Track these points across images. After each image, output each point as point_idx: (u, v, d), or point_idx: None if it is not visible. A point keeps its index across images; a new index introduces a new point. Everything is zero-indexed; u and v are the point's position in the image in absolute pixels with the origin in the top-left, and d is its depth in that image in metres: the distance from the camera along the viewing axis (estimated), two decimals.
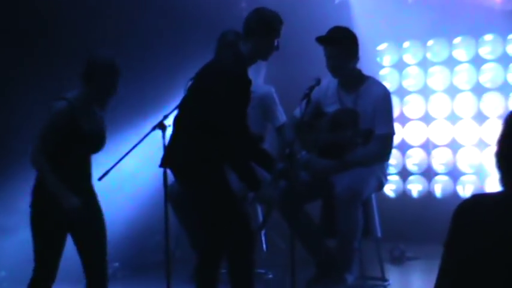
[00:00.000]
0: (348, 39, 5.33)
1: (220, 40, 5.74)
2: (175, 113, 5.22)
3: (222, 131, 4.44)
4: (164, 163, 4.74)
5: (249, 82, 4.54)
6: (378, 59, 8.20)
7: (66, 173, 4.36)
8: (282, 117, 5.93)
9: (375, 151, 5.26)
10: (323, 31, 5.37)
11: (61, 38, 6.62)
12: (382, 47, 8.23)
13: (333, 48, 5.26)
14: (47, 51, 6.57)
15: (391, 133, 5.36)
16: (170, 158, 4.68)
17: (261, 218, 6.03)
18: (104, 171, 5.02)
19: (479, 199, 2.26)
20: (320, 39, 5.30)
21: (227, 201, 4.53)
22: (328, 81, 5.45)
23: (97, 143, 4.54)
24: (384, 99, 5.36)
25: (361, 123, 5.24)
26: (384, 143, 5.29)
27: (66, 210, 4.26)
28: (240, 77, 4.50)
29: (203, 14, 7.39)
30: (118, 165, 5.09)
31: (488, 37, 7.73)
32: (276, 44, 4.61)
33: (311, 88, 4.83)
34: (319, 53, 5.45)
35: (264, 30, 4.56)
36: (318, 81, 4.87)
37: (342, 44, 5.27)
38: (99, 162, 4.81)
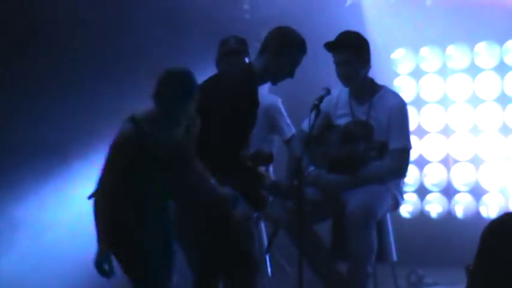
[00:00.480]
0: (359, 45, 5.34)
1: (221, 48, 5.75)
2: None
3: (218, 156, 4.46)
4: None
5: (257, 103, 4.57)
6: (393, 67, 8.21)
7: (144, 209, 4.27)
8: (289, 129, 5.91)
9: (390, 166, 5.26)
10: (333, 36, 5.38)
11: (52, 42, 6.68)
12: (397, 53, 8.24)
13: (342, 54, 5.27)
14: (37, 57, 6.66)
15: (407, 147, 5.37)
16: None
17: (266, 239, 6.03)
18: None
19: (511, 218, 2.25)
20: (329, 45, 5.31)
21: (226, 226, 4.55)
22: (339, 92, 5.46)
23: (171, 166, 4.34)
24: (399, 110, 5.37)
25: (376, 136, 5.24)
26: (399, 158, 5.29)
27: (96, 259, 4.15)
28: (246, 97, 4.51)
29: (203, 17, 7.42)
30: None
31: None
32: (289, 69, 4.63)
33: (320, 98, 4.83)
34: (329, 60, 5.47)
35: (278, 48, 4.60)
36: (328, 91, 4.88)
37: (352, 50, 5.28)
38: (88, 178, 4.83)
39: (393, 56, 8.21)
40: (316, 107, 4.80)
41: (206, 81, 4.76)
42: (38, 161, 6.66)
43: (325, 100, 4.92)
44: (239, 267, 4.55)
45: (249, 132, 4.62)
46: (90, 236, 4.22)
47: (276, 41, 4.62)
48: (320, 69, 6.04)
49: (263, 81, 4.73)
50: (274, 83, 4.78)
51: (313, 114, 4.82)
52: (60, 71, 6.74)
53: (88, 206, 4.29)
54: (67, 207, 6.64)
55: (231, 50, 5.66)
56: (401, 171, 5.37)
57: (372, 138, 5.23)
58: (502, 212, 2.26)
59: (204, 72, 5.79)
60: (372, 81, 5.44)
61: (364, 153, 5.02)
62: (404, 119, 5.40)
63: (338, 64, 5.30)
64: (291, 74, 4.68)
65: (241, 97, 4.50)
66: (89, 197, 5.09)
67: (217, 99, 4.50)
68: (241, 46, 5.68)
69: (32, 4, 6.63)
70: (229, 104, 4.46)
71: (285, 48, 4.62)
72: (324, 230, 5.58)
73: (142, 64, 6.92)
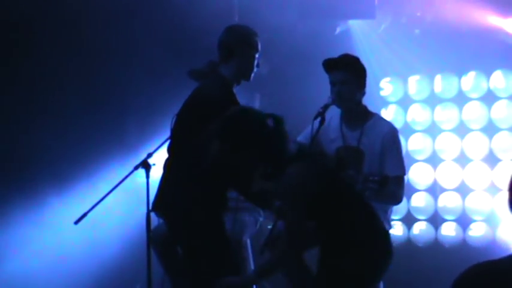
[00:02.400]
0: (357, 68, 5.34)
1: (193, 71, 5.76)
2: (160, 151, 5.25)
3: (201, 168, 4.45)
4: (156, 207, 4.75)
5: (237, 105, 4.58)
6: (382, 95, 8.24)
7: None
8: None
9: (390, 192, 5.23)
10: (321, 61, 5.38)
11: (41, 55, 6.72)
12: (385, 81, 8.27)
13: (340, 74, 5.25)
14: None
15: (403, 174, 5.37)
16: (162, 202, 4.68)
17: (253, 262, 6.00)
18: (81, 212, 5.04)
19: (482, 269, 2.19)
20: (328, 64, 5.29)
21: (220, 254, 4.53)
22: (331, 116, 5.45)
23: None
24: (393, 138, 5.36)
25: (367, 162, 5.24)
26: (397, 185, 5.28)
27: None
28: (225, 102, 4.53)
29: (195, 31, 7.44)
30: (98, 206, 5.09)
31: (501, 73, 7.78)
32: (257, 61, 4.68)
33: (325, 107, 4.96)
34: (318, 83, 5.47)
35: (244, 47, 4.63)
36: (333, 101, 4.98)
37: (350, 71, 5.27)
38: (73, 203, 4.83)
39: (382, 84, 8.24)
40: (321, 115, 4.88)
41: (186, 101, 4.78)
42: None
43: (317, 123, 4.95)
44: None
45: None
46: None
47: (239, 43, 4.64)
48: (310, 92, 6.04)
49: (236, 84, 4.74)
50: (249, 80, 4.79)
51: (317, 122, 4.91)
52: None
53: None
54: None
55: (197, 72, 5.63)
56: (399, 198, 5.35)
57: (362, 164, 5.22)
58: (470, 266, 2.21)
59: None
60: (365, 108, 5.43)
61: (363, 184, 4.98)
62: (399, 147, 5.39)
63: (335, 83, 5.26)
64: (257, 65, 4.70)
65: (221, 104, 4.50)
66: (76, 222, 5.13)
67: (198, 112, 4.51)
68: (211, 68, 5.65)
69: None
70: (208, 113, 4.45)
71: (249, 45, 4.68)
72: (311, 256, 5.55)
73: (128, 89, 6.96)
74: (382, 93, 8.23)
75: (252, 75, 4.75)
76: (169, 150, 4.77)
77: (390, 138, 5.33)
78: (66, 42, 6.88)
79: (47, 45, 6.83)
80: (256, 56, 4.71)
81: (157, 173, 5.50)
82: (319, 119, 5.04)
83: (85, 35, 6.93)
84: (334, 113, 5.40)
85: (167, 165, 4.76)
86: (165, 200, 4.66)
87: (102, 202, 5.15)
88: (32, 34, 6.78)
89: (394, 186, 5.16)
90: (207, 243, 4.51)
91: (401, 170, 5.33)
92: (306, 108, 5.06)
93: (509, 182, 2.25)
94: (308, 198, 3.94)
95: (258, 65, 4.73)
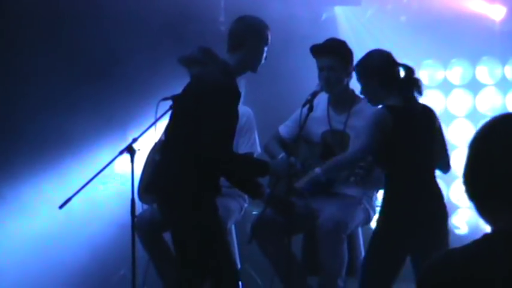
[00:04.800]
0: (344, 53, 5.35)
1: (184, 57, 5.75)
2: (146, 136, 5.24)
3: (208, 157, 4.46)
4: (148, 190, 4.76)
5: (240, 94, 4.59)
6: None
7: None
8: (256, 147, 5.84)
9: (377, 177, 5.22)
10: (308, 49, 5.38)
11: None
12: None
13: (327, 59, 5.26)
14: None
15: None
16: (156, 185, 4.68)
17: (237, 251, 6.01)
18: (65, 197, 5.02)
19: (447, 258, 2.17)
20: (314, 49, 5.30)
21: (214, 239, 4.54)
22: (318, 100, 5.45)
23: None
24: None
25: (352, 144, 5.24)
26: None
27: None
28: (231, 89, 4.53)
29: (178, 30, 7.43)
30: (83, 191, 5.08)
31: (486, 60, 7.80)
32: (265, 53, 4.68)
33: (314, 94, 4.98)
34: (304, 69, 5.47)
35: (255, 39, 4.63)
36: (322, 88, 5.02)
37: (337, 56, 5.28)
38: (58, 187, 4.82)
39: None
40: (310, 102, 4.91)
41: (187, 87, 4.77)
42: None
43: (304, 109, 5.00)
44: (223, 278, 4.57)
45: (236, 126, 4.63)
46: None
47: (249, 33, 4.64)
48: (295, 80, 6.03)
49: (241, 74, 4.75)
50: (255, 72, 4.79)
51: (305, 109, 4.93)
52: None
53: None
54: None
55: (194, 60, 5.62)
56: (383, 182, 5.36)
57: (346, 147, 5.24)
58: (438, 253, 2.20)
59: (179, 84, 5.80)
60: (352, 92, 5.43)
61: (351, 171, 4.99)
62: None
63: (322, 69, 5.28)
64: (265, 58, 4.71)
65: (224, 90, 4.51)
66: (60, 207, 5.12)
67: (203, 99, 4.50)
68: (205, 56, 5.64)
69: None
70: (217, 101, 4.46)
71: (261, 37, 4.67)
72: (295, 243, 5.56)
73: (115, 77, 6.95)
74: None
75: (259, 67, 4.75)
76: (166, 133, 4.77)
77: None
78: (61, 20, 6.87)
79: (42, 19, 6.82)
80: (266, 49, 4.71)
81: (141, 158, 5.52)
82: (307, 106, 5.04)
83: (83, 15, 6.93)
84: (321, 97, 5.40)
85: (162, 148, 4.76)
86: (158, 183, 4.66)
87: (87, 187, 5.14)
88: (30, 6, 6.77)
89: (378, 171, 5.17)
90: (199, 227, 4.51)
91: None
92: (293, 94, 5.06)
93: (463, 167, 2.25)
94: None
95: (265, 58, 4.73)
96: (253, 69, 4.73)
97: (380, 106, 4.67)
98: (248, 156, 5.01)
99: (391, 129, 4.51)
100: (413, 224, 4.51)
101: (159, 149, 5.47)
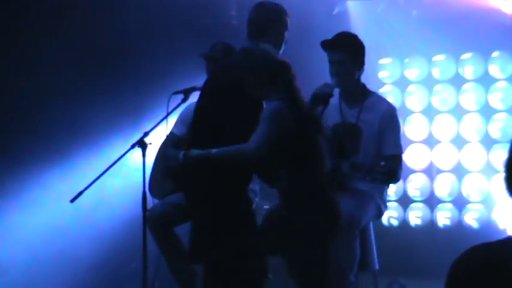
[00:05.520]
0: (355, 46, 5.34)
1: (209, 51, 5.77)
2: (158, 129, 5.24)
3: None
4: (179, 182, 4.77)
5: None
6: (379, 76, 8.22)
7: None
8: None
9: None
10: (318, 42, 5.37)
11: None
12: (383, 62, 8.26)
13: (338, 53, 5.26)
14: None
15: (400, 153, 5.38)
16: (186, 178, 4.68)
17: None
18: (76, 191, 5.03)
19: (481, 251, 2.18)
20: (326, 43, 5.31)
21: (245, 233, 4.54)
22: None
23: None
24: (391, 117, 5.37)
25: (365, 140, 5.25)
26: (395, 164, 5.28)
27: None
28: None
29: (191, 23, 7.42)
30: (93, 185, 5.08)
31: (498, 54, 7.77)
32: (285, 39, 4.69)
33: (331, 88, 5.02)
34: (315, 64, 5.46)
35: (277, 25, 4.65)
36: (337, 83, 5.09)
37: (348, 50, 5.28)
38: (69, 181, 4.82)
39: (379, 64, 8.23)
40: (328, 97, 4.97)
41: (214, 76, 4.79)
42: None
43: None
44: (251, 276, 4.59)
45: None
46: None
47: (271, 21, 4.65)
48: (307, 74, 6.01)
49: None
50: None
51: (321, 106, 4.95)
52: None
53: None
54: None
55: (214, 58, 5.67)
56: (397, 176, 5.35)
57: (360, 141, 5.23)
58: (468, 248, 2.21)
59: (193, 77, 5.80)
60: (363, 86, 5.43)
61: (369, 175, 4.98)
62: (397, 126, 5.40)
63: (333, 63, 5.28)
64: (286, 42, 4.74)
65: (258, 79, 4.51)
66: (72, 200, 5.12)
67: (231, 88, 4.49)
68: (226, 55, 5.66)
69: None
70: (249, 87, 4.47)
71: (281, 23, 4.70)
72: None
73: (125, 72, 6.94)
74: (379, 74, 8.22)
75: (280, 52, 4.75)
76: (193, 126, 4.75)
77: (389, 116, 5.34)
78: (74, 10, 6.88)
79: (55, 8, 6.83)
80: (286, 34, 4.71)
81: (152, 152, 5.51)
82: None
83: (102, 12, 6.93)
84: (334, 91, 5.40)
85: (189, 141, 4.76)
86: (188, 177, 4.65)
87: (98, 180, 5.13)
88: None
89: (392, 164, 5.16)
90: (228, 219, 4.51)
91: (399, 149, 5.35)
92: (304, 88, 5.03)
93: (505, 160, 2.25)
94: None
95: (286, 43, 4.74)
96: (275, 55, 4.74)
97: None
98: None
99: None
100: None
101: (170, 143, 5.47)
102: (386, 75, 8.25)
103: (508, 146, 2.19)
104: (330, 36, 5.37)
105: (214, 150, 4.35)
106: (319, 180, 4.51)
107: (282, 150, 4.37)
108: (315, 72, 5.61)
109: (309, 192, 4.49)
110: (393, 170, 4.97)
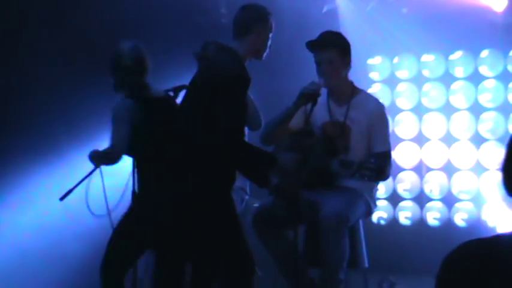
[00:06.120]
0: (341, 45, 5.34)
1: (201, 50, 5.77)
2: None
3: (221, 145, 4.46)
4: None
5: (250, 81, 4.59)
6: (368, 74, 8.23)
7: None
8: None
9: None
10: (308, 40, 5.37)
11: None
12: (372, 60, 8.27)
13: (325, 53, 5.26)
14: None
15: (389, 150, 5.38)
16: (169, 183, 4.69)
17: None
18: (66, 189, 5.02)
19: (472, 248, 2.19)
20: (311, 44, 5.31)
21: (229, 227, 4.55)
22: None
23: None
24: (380, 114, 5.37)
25: (354, 138, 5.25)
26: (383, 161, 5.28)
27: None
28: (243, 77, 4.54)
29: (180, 21, 7.41)
30: (83, 183, 5.07)
31: (488, 53, 7.78)
32: (270, 41, 4.70)
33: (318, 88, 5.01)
34: (305, 63, 5.46)
35: (260, 25, 4.65)
36: (325, 83, 5.06)
37: (334, 49, 5.28)
38: (60, 179, 4.81)
39: (368, 62, 8.24)
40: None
41: (198, 77, 4.78)
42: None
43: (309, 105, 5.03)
44: (240, 271, 4.59)
45: (246, 113, 4.68)
46: None
47: (255, 21, 4.67)
48: (296, 72, 6.01)
49: (247, 61, 4.76)
50: (261, 59, 4.80)
51: (309, 104, 4.96)
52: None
53: None
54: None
55: (206, 57, 5.66)
56: (386, 174, 5.36)
57: (349, 140, 5.24)
58: (459, 244, 2.22)
59: (183, 76, 5.77)
60: (351, 84, 5.44)
61: (358, 172, 4.99)
62: (386, 123, 5.42)
63: (320, 63, 5.28)
64: (270, 45, 4.74)
65: (238, 79, 4.52)
66: (61, 198, 5.11)
67: (214, 85, 4.50)
68: (218, 51, 5.67)
69: None
70: (230, 87, 4.48)
71: (265, 24, 4.69)
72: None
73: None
74: (368, 72, 8.23)
75: (264, 55, 4.76)
76: (176, 124, 4.76)
77: (377, 114, 5.35)
78: (69, 6, 6.86)
79: (53, 12, 6.81)
80: (270, 36, 4.73)
81: None
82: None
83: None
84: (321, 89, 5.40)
85: (173, 139, 4.76)
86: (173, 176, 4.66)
87: (88, 178, 5.12)
88: None
89: (382, 162, 5.17)
90: (216, 217, 4.52)
91: (388, 146, 5.35)
92: (290, 86, 5.05)
93: (501, 162, 2.25)
94: None
95: (270, 46, 4.75)
96: (259, 55, 4.75)
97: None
98: (258, 147, 5.02)
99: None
100: None
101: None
102: (375, 74, 8.26)
103: (497, 144, 2.19)
104: (319, 34, 5.37)
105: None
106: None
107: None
108: (303, 69, 5.61)
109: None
110: (382, 167, 4.98)
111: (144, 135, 4.69)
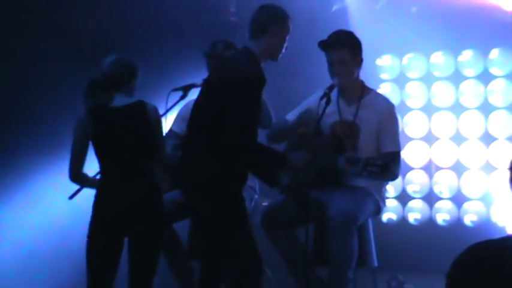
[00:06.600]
0: (353, 44, 5.34)
1: (209, 50, 5.77)
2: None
3: (233, 144, 4.47)
4: (176, 179, 4.78)
5: (265, 81, 4.59)
6: (378, 73, 8.22)
7: None
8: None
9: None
10: (317, 40, 5.37)
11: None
12: (381, 59, 8.25)
13: (337, 53, 5.26)
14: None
15: (399, 150, 5.38)
16: (182, 175, 4.68)
17: None
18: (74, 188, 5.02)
19: (482, 249, 2.19)
20: (323, 44, 5.31)
21: (239, 228, 4.57)
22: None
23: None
24: (390, 114, 5.37)
25: (363, 138, 5.25)
26: (393, 161, 5.28)
27: None
28: (259, 77, 4.55)
29: (190, 20, 7.41)
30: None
31: (498, 52, 7.76)
32: (286, 43, 4.70)
33: (331, 88, 5.03)
34: (315, 62, 5.46)
35: (277, 26, 4.65)
36: (339, 82, 5.10)
37: (346, 49, 5.28)
38: (67, 178, 4.81)
39: (378, 62, 8.22)
40: (327, 96, 4.95)
41: (214, 72, 4.81)
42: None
43: (314, 99, 5.09)
44: (248, 270, 4.60)
45: (261, 111, 4.69)
46: None
47: (272, 21, 4.67)
48: (306, 71, 6.00)
49: (263, 61, 4.76)
50: (276, 60, 4.80)
51: (323, 102, 4.95)
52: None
53: None
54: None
55: (216, 55, 5.68)
56: (395, 174, 5.36)
57: (358, 139, 5.24)
58: (470, 246, 2.22)
59: (192, 74, 5.78)
60: (362, 83, 5.44)
61: (365, 168, 4.98)
62: (395, 123, 5.41)
63: (332, 63, 5.29)
64: (285, 47, 4.74)
65: (254, 79, 4.54)
66: (70, 197, 5.12)
67: (230, 84, 4.51)
68: (228, 51, 5.68)
69: None
70: (245, 88, 4.49)
71: (282, 25, 4.70)
72: (300, 234, 5.56)
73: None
74: (378, 70, 8.21)
75: (280, 56, 4.77)
76: (190, 124, 4.76)
77: (387, 114, 5.34)
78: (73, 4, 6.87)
79: (62, 7, 6.81)
80: (287, 38, 4.73)
81: None
82: (325, 99, 5.04)
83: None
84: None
85: (186, 138, 4.78)
86: (185, 172, 4.66)
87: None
88: None
89: (390, 163, 5.16)
90: (225, 216, 4.53)
91: (397, 146, 5.35)
92: (303, 85, 5.06)
93: (511, 161, 2.25)
94: None
95: (286, 48, 4.75)
96: (275, 57, 4.76)
97: None
98: (269, 147, 5.03)
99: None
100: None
101: (169, 139, 5.47)
102: (385, 73, 8.25)
103: (507, 143, 2.19)
104: (328, 33, 5.37)
105: None
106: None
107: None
108: (313, 69, 5.61)
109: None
110: (389, 163, 4.97)
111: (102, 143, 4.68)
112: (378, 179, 5.24)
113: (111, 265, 4.69)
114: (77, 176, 4.76)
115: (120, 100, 4.70)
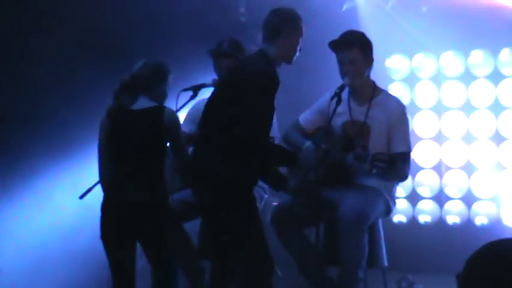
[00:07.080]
0: (364, 44, 5.35)
1: (215, 49, 5.77)
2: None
3: (246, 143, 4.48)
4: (187, 179, 4.81)
5: (279, 83, 4.60)
6: (388, 73, 8.21)
7: None
8: (275, 131, 5.84)
9: (397, 169, 5.22)
10: (327, 40, 5.38)
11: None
12: (392, 59, 8.25)
13: (348, 53, 5.27)
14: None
15: (409, 151, 5.38)
16: (195, 174, 4.69)
17: None
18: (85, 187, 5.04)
19: (493, 248, 2.20)
20: (334, 44, 5.32)
21: (252, 230, 4.57)
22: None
23: None
24: (401, 115, 5.37)
25: (373, 138, 5.25)
26: (403, 162, 5.28)
27: None
28: (274, 77, 4.56)
29: (199, 20, 7.41)
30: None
31: (508, 51, 7.75)
32: (300, 45, 4.71)
33: (342, 87, 5.06)
34: (325, 61, 5.47)
35: (290, 28, 4.67)
36: (349, 82, 5.12)
37: (357, 49, 5.29)
38: (81, 178, 4.83)
39: (388, 62, 8.22)
40: (338, 95, 4.97)
41: (229, 73, 4.82)
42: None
43: (325, 100, 5.15)
44: (258, 269, 4.61)
45: (274, 112, 4.67)
46: None
47: (285, 25, 4.68)
48: (315, 72, 6.00)
49: (278, 64, 4.77)
50: (290, 63, 4.81)
51: (334, 102, 4.99)
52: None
53: None
54: None
55: (223, 53, 5.68)
56: (405, 174, 5.37)
57: (368, 139, 5.24)
58: (483, 245, 2.22)
59: (201, 75, 5.78)
60: (373, 83, 5.44)
61: (372, 164, 4.99)
62: (406, 123, 5.41)
63: (343, 63, 5.29)
64: (300, 49, 4.75)
65: (269, 81, 4.54)
66: (81, 197, 5.14)
67: (245, 86, 4.52)
68: (235, 49, 5.68)
69: None
70: (261, 87, 4.50)
71: (295, 28, 4.72)
72: (310, 234, 5.57)
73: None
74: (388, 70, 8.21)
75: (294, 58, 4.78)
76: (202, 123, 4.77)
77: (398, 114, 5.34)
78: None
79: (68, 7, 6.82)
80: (300, 40, 4.74)
81: None
82: (336, 99, 5.06)
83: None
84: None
85: (199, 138, 4.79)
86: (198, 172, 4.67)
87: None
88: None
89: (400, 163, 5.16)
90: (237, 216, 4.54)
91: (408, 147, 5.35)
92: (315, 85, 5.07)
93: None
94: None
95: (300, 50, 4.76)
96: (289, 59, 4.77)
97: None
98: (280, 146, 5.03)
99: None
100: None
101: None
102: (395, 72, 8.24)
103: None
104: (339, 33, 5.37)
105: None
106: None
107: None
108: (322, 69, 5.62)
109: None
110: (395, 159, 4.98)
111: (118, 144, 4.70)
112: (387, 178, 5.25)
113: (127, 263, 4.71)
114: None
115: (142, 103, 4.72)
